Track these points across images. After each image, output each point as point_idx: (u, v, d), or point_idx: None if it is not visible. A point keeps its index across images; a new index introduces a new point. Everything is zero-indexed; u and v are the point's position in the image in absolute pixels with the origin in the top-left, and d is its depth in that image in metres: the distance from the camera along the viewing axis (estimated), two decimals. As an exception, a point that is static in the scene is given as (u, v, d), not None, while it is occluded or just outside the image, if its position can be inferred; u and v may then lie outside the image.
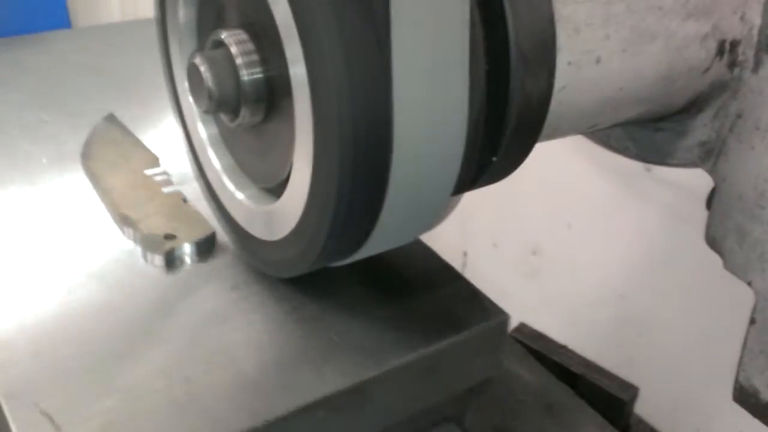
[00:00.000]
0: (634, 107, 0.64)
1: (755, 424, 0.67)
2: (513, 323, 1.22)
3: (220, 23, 0.62)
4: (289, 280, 0.67)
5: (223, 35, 0.58)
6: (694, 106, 0.66)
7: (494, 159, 0.56)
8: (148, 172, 0.82)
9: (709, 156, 0.67)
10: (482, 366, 0.70)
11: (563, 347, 1.21)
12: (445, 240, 0.80)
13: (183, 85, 0.70)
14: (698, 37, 0.61)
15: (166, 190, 0.79)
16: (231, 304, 0.67)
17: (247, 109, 0.58)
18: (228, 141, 0.70)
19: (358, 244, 0.56)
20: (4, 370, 0.58)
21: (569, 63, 0.56)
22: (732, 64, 0.63)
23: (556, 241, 1.22)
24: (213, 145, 0.71)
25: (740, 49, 0.63)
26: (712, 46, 0.62)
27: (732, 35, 0.62)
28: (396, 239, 0.60)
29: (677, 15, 0.60)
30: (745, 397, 0.67)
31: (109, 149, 0.88)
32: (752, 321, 0.65)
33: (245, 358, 0.61)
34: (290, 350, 0.62)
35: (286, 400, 0.57)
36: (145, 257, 0.71)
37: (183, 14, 0.68)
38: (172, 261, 0.70)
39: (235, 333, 0.63)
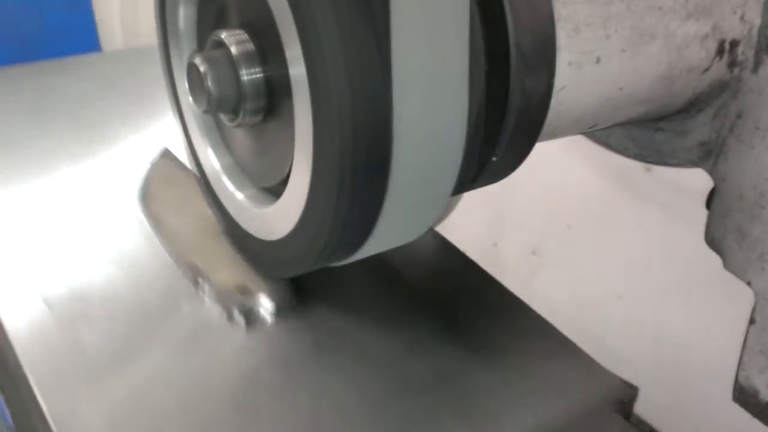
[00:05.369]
0: (634, 107, 0.64)
1: (755, 424, 0.67)
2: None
3: (220, 23, 0.62)
4: (377, 339, 0.63)
5: (223, 35, 0.58)
6: (694, 106, 0.66)
7: (494, 159, 0.56)
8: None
9: (708, 156, 0.67)
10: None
11: (563, 347, 1.21)
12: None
13: (183, 85, 0.70)
14: (698, 37, 0.61)
15: None
16: (320, 370, 0.61)
17: (247, 110, 0.58)
18: (227, 141, 0.70)
19: (358, 243, 0.56)
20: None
21: (569, 63, 0.56)
22: (732, 64, 0.63)
23: (556, 241, 1.22)
24: (213, 145, 0.71)
25: (740, 49, 0.63)
26: (712, 46, 0.62)
27: (732, 35, 0.62)
28: (396, 239, 0.60)
29: (677, 15, 0.60)
30: (744, 397, 0.67)
31: (169, 189, 0.83)
32: (752, 321, 0.65)
33: None
34: (389, 427, 0.57)
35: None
36: (220, 313, 0.66)
37: (183, 14, 0.68)
38: (248, 316, 0.66)
39: (329, 407, 0.57)
